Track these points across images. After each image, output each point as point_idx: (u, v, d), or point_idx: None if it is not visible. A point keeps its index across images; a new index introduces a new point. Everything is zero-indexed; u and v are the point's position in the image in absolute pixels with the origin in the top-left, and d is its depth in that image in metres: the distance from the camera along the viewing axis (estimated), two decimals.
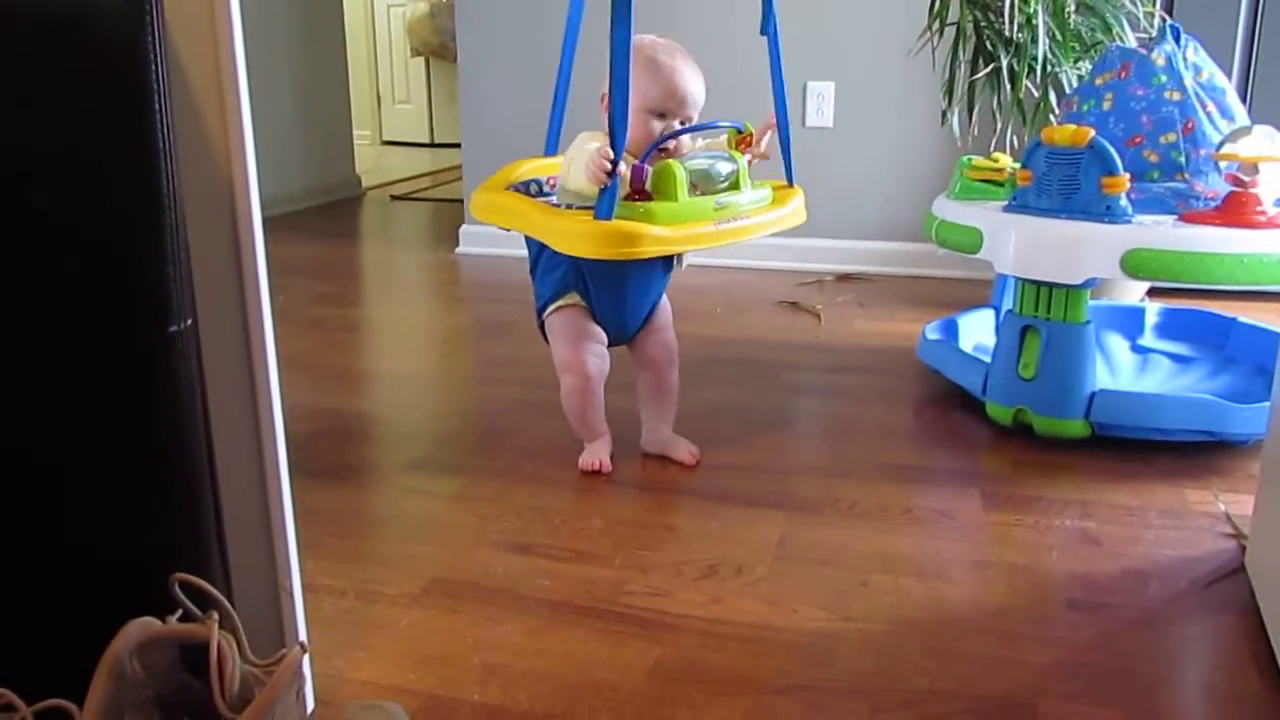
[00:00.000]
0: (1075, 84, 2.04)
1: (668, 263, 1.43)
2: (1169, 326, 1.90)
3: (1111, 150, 1.42)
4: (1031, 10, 2.05)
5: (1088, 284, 1.44)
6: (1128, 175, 1.43)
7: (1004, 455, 1.49)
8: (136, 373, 0.64)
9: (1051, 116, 2.10)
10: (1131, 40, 2.03)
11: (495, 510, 1.30)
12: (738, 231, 1.28)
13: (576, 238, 1.22)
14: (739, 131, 1.36)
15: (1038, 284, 1.49)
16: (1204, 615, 1.06)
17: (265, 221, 0.72)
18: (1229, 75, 2.08)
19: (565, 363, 1.40)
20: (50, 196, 0.60)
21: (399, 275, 2.94)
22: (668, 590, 1.10)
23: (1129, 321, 1.91)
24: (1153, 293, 2.25)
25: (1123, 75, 1.65)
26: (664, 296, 1.48)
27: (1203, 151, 1.55)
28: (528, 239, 1.38)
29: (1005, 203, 1.58)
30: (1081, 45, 2.15)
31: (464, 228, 3.09)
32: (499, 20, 2.92)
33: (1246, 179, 1.44)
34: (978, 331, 1.85)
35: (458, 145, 3.10)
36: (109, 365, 0.63)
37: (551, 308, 1.41)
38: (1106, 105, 1.65)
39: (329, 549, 1.19)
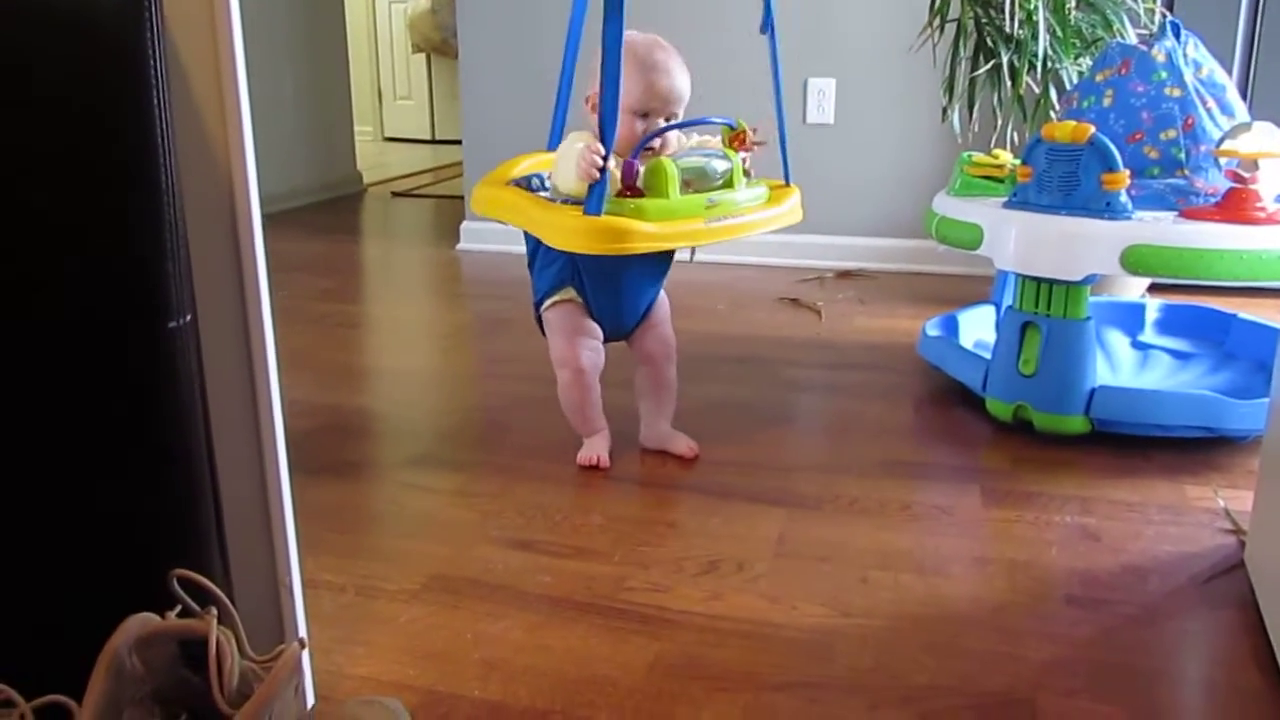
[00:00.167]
0: (1076, 80, 2.04)
1: (664, 260, 1.43)
2: (1169, 322, 1.90)
3: (1111, 146, 1.42)
4: (1032, 6, 2.05)
5: (1088, 280, 1.44)
6: (1128, 171, 1.43)
7: (1004, 451, 1.49)
8: (136, 368, 0.64)
9: (1052, 113, 2.10)
10: (1132, 36, 2.03)
11: (495, 506, 1.30)
12: (729, 229, 1.28)
13: (568, 233, 1.23)
14: (731, 129, 1.36)
15: (1038, 280, 1.48)
16: (1203, 611, 1.07)
17: (266, 218, 0.72)
18: (1229, 72, 2.08)
19: (560, 357, 1.41)
20: (49, 193, 0.60)
21: (400, 271, 2.95)
22: (668, 586, 1.10)
23: (1129, 318, 1.91)
24: (1153, 289, 2.25)
25: (1123, 71, 1.65)
26: (662, 292, 1.48)
27: (1203, 148, 1.55)
28: (525, 233, 1.39)
29: (1005, 199, 1.58)
30: (1082, 41, 2.14)
31: (465, 224, 3.08)
32: (500, 17, 2.91)
33: (1246, 175, 1.44)
34: (978, 328, 1.85)
35: (459, 142, 3.10)
36: (108, 361, 0.63)
37: (548, 303, 1.41)
38: (1107, 101, 1.65)
39: (329, 545, 1.19)
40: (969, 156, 1.73)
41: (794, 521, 1.26)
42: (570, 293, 1.40)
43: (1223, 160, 1.49)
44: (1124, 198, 1.43)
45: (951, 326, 1.83)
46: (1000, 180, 1.67)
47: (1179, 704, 0.93)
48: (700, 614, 1.05)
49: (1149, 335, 1.88)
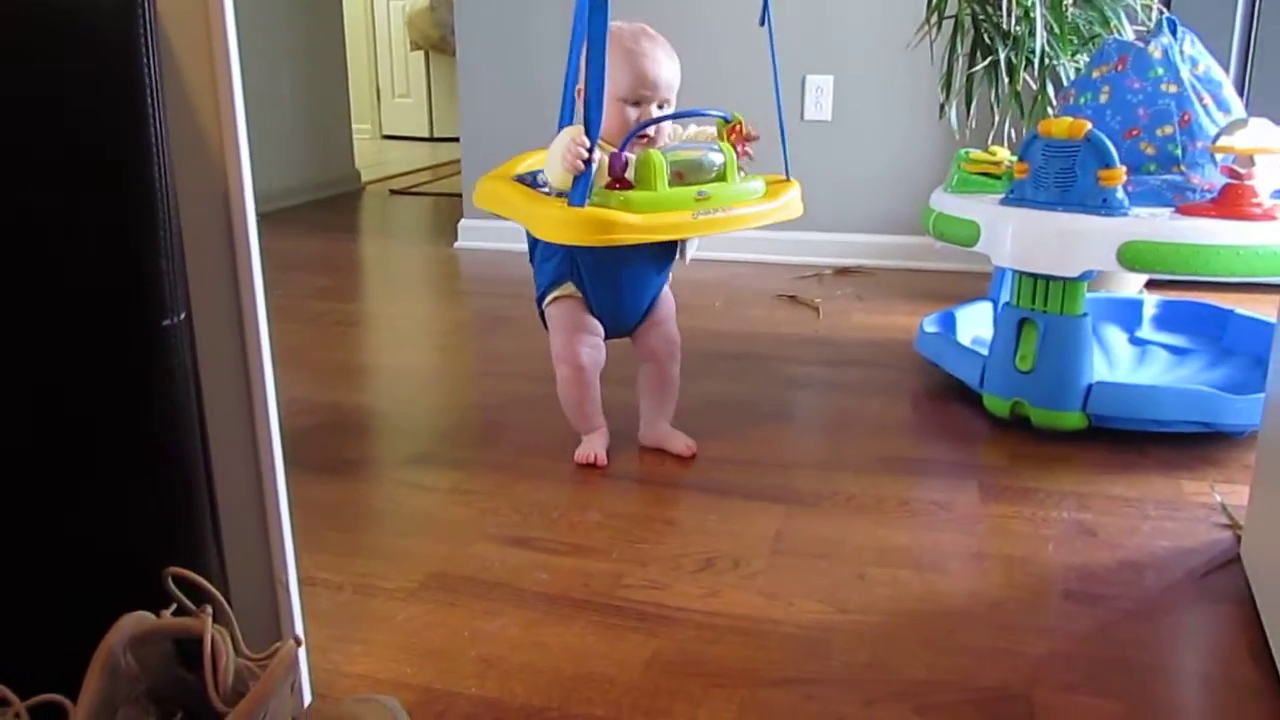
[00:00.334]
0: (1073, 77, 2.04)
1: (666, 255, 1.43)
2: (1167, 318, 1.90)
3: (1108, 143, 1.42)
4: (1029, 3, 2.05)
5: (1084, 276, 1.44)
6: (1124, 168, 1.43)
7: (1001, 447, 1.49)
8: (130, 367, 0.64)
9: (1049, 109, 2.10)
10: (1129, 33, 2.03)
11: (493, 504, 1.31)
12: (717, 223, 1.26)
13: (553, 223, 1.23)
14: (726, 121, 1.36)
15: (1035, 276, 1.49)
16: (1200, 605, 1.07)
17: (264, 216, 0.72)
18: (1226, 68, 2.07)
19: (559, 354, 1.41)
20: (42, 191, 0.60)
21: (398, 270, 2.95)
22: (665, 583, 1.10)
23: (1127, 314, 1.91)
24: (1151, 285, 2.25)
25: (1120, 68, 1.65)
26: (666, 290, 1.48)
27: (1199, 144, 1.55)
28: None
29: (1002, 196, 1.58)
30: (1079, 38, 2.14)
31: (463, 222, 3.08)
32: (498, 14, 2.91)
33: (1243, 171, 1.44)
34: (976, 324, 1.85)
35: (457, 139, 3.10)
36: (103, 359, 0.63)
37: (549, 298, 1.42)
38: (1103, 98, 1.65)
39: (327, 543, 1.19)
40: (966, 153, 1.73)
41: (791, 518, 1.26)
42: (570, 288, 1.40)
43: (1219, 156, 1.49)
44: (1120, 194, 1.43)
45: (949, 323, 1.83)
46: (997, 177, 1.68)
47: (1175, 698, 0.93)
48: (697, 611, 1.05)
49: (1146, 331, 1.88)
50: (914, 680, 0.93)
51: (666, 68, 1.33)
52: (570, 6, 1.24)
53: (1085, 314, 1.47)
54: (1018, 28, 2.09)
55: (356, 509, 1.32)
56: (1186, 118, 1.57)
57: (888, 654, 0.97)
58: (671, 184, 1.24)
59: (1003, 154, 1.71)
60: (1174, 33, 1.65)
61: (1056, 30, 2.09)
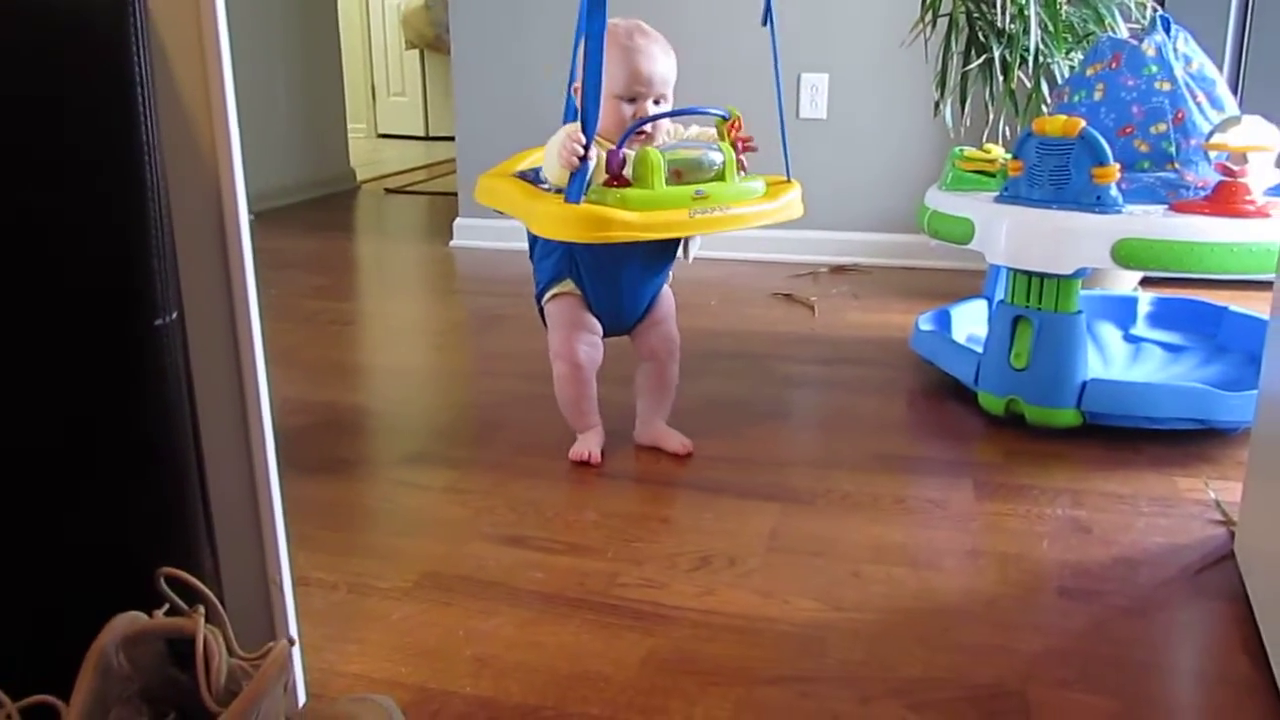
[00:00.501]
0: (1067, 75, 2.04)
1: (666, 254, 1.43)
2: (1161, 316, 1.90)
3: (1102, 140, 1.42)
4: (1023, 1, 2.05)
5: (1079, 274, 1.45)
6: (1118, 165, 1.43)
7: (996, 445, 1.49)
8: (122, 366, 0.64)
9: (1044, 107, 2.10)
10: (1123, 31, 2.03)
11: (488, 503, 1.30)
12: (714, 222, 1.25)
13: (549, 220, 1.23)
14: (724, 119, 1.35)
15: (1029, 274, 1.49)
16: (1194, 602, 1.07)
17: (259, 215, 0.72)
18: (1220, 66, 2.08)
19: (557, 350, 1.41)
20: (33, 190, 0.60)
21: (393, 268, 2.94)
22: (660, 582, 1.10)
23: (1122, 311, 1.91)
24: (1145, 282, 2.26)
25: (1113, 66, 1.65)
26: (666, 289, 1.48)
27: (1193, 141, 1.55)
28: None
29: (997, 193, 1.58)
30: (1074, 36, 2.15)
31: (458, 221, 3.08)
32: (493, 12, 2.91)
33: (1236, 168, 1.44)
34: (971, 322, 1.85)
35: (452, 138, 3.10)
36: (94, 359, 0.63)
37: (548, 295, 1.42)
38: (1097, 96, 1.65)
39: (321, 542, 1.19)
40: (961, 151, 1.73)
41: (787, 516, 1.26)
42: (569, 285, 1.40)
43: (1212, 154, 1.50)
44: (1114, 191, 1.43)
45: (944, 321, 1.83)
46: (992, 175, 1.68)
47: (1170, 694, 0.93)
48: (693, 609, 1.05)
49: (1141, 329, 1.88)
50: (909, 678, 0.93)
51: (662, 63, 1.33)
52: (567, 5, 1.24)
53: (1080, 311, 1.48)
54: (1012, 25, 2.09)
55: (351, 508, 1.32)
56: (1180, 115, 1.57)
57: (883, 651, 0.97)
58: (670, 183, 1.23)
59: (997, 152, 1.71)
60: (1168, 31, 1.65)
61: (1051, 28, 2.09)
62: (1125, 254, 1.39)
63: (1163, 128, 1.58)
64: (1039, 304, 1.48)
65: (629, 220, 1.20)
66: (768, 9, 1.35)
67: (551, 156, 1.23)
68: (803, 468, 1.42)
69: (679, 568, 1.13)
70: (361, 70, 6.08)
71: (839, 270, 2.69)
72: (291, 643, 0.61)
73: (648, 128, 1.32)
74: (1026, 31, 2.04)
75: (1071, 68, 2.07)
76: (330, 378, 1.87)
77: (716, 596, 1.07)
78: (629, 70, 1.31)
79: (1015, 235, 1.47)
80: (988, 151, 1.71)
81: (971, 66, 2.20)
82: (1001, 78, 2.14)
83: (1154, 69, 1.61)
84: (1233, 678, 0.93)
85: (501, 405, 1.68)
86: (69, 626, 0.58)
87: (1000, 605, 1.06)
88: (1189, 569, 1.13)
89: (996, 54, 2.13)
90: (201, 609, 0.59)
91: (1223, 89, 1.64)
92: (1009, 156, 1.58)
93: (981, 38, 2.18)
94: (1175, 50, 1.63)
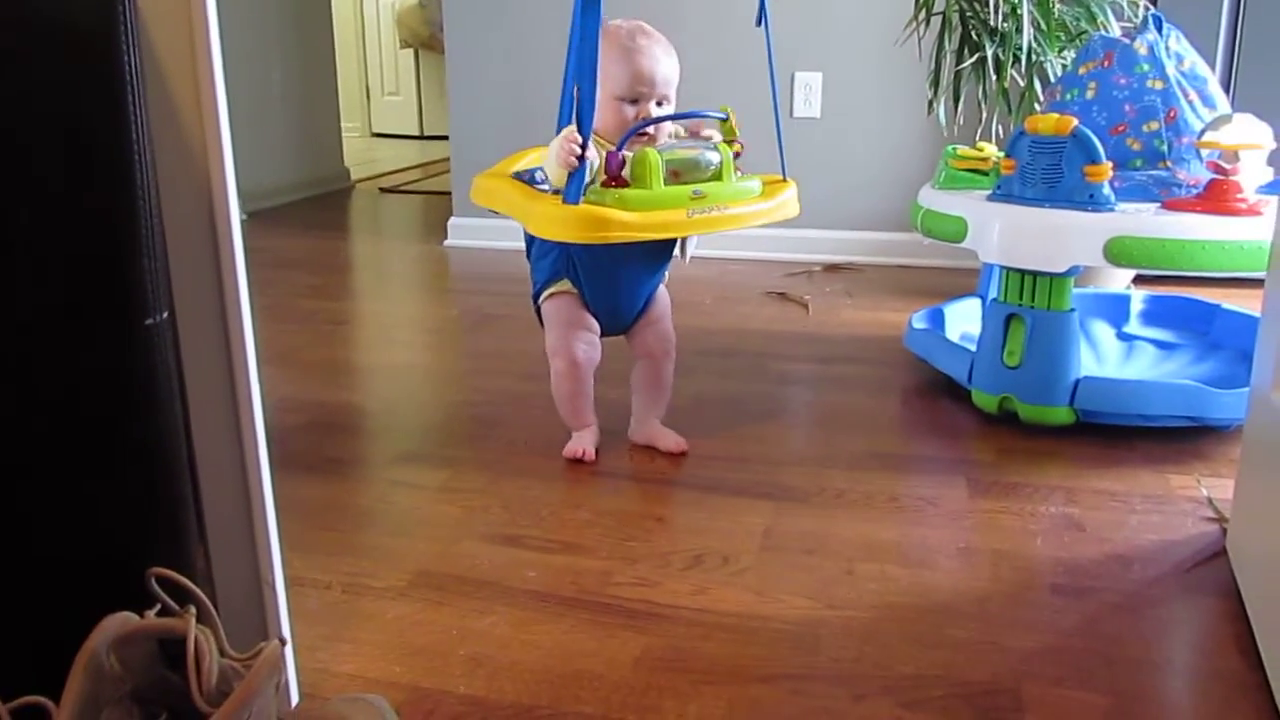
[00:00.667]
0: (1060, 73, 2.04)
1: (663, 254, 1.43)
2: (1154, 313, 1.91)
3: (1094, 139, 1.42)
4: (1016, 0, 2.05)
5: (1071, 272, 1.45)
6: (1110, 163, 1.44)
7: (990, 443, 1.49)
8: (113, 366, 0.64)
9: (1037, 105, 2.11)
10: (1115, 30, 2.04)
11: (482, 502, 1.30)
12: (712, 221, 1.26)
13: (547, 220, 1.23)
14: (724, 120, 1.36)
15: (1022, 272, 1.49)
16: (1186, 598, 1.07)
17: (253, 215, 0.72)
18: (1212, 65, 2.08)
19: (554, 348, 1.41)
20: (23, 190, 0.60)
21: (388, 268, 2.94)
22: (654, 581, 1.10)
23: (1115, 309, 1.91)
24: (1138, 280, 2.26)
25: (1106, 64, 1.65)
26: (663, 288, 1.48)
27: (1185, 139, 1.55)
28: None
29: (990, 192, 1.58)
30: (1066, 35, 2.15)
31: (453, 220, 3.08)
32: (487, 11, 2.90)
33: (1228, 166, 1.45)
34: (964, 320, 1.85)
35: (447, 138, 3.10)
36: (85, 359, 0.63)
37: (545, 294, 1.42)
38: (1090, 94, 1.66)
39: (315, 542, 1.19)
40: (954, 150, 1.73)
41: (780, 514, 1.26)
42: (567, 284, 1.40)
43: (1204, 152, 1.50)
44: (1107, 189, 1.43)
45: (938, 319, 1.83)
46: (985, 173, 1.68)
47: (1162, 691, 0.94)
48: (686, 608, 1.05)
49: (1134, 326, 1.89)
50: (902, 675, 0.93)
51: (664, 65, 1.33)
52: (561, 4, 1.24)
53: (1072, 309, 1.48)
54: (1005, 24, 2.09)
55: (345, 508, 1.32)
56: (1172, 114, 1.58)
57: (876, 649, 0.97)
58: (668, 182, 1.24)
59: (990, 150, 1.71)
60: (1160, 29, 1.65)
61: (1044, 27, 2.09)
62: (1118, 252, 1.39)
63: (1155, 126, 1.58)
64: (1032, 302, 1.48)
65: (627, 221, 1.20)
66: (762, 9, 1.35)
67: (551, 158, 1.24)
68: (796, 466, 1.42)
69: (673, 566, 1.14)
70: (356, 69, 6.07)
71: (833, 269, 2.69)
72: (283, 643, 0.61)
73: (650, 129, 1.32)
74: (1019, 30, 2.04)
75: (1064, 66, 2.07)
76: (324, 377, 1.86)
77: (710, 595, 1.07)
78: (631, 72, 1.31)
79: (1008, 233, 1.48)
80: (981, 150, 1.71)
81: (965, 65, 2.20)
82: (994, 76, 2.14)
83: (1146, 67, 1.62)
84: (1225, 674, 0.94)
85: (495, 404, 1.68)
86: (60, 627, 0.58)
87: (993, 603, 1.06)
88: (1181, 566, 1.13)
89: (989, 52, 2.13)
90: (193, 609, 0.59)
91: (1214, 87, 1.64)
92: (1002, 155, 1.58)
93: (975, 36, 2.18)
94: (1167, 49, 1.63)
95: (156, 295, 0.64)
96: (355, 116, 5.99)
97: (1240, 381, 1.49)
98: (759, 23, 1.36)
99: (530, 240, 1.43)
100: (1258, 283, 1.14)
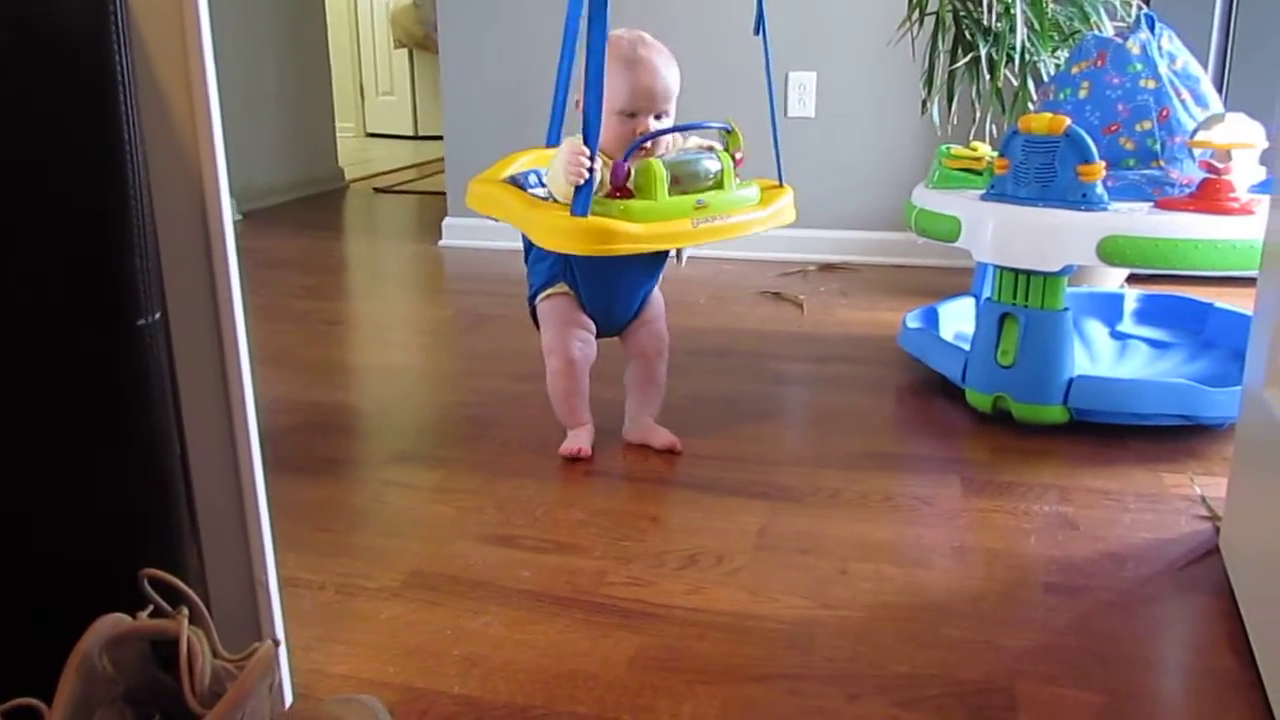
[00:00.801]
0: (1053, 73, 2.05)
1: (657, 258, 1.43)
2: (1148, 312, 1.91)
3: (1087, 138, 1.43)
4: (1010, 0, 2.06)
5: (1065, 271, 1.45)
6: (1103, 163, 1.44)
7: (984, 442, 1.50)
8: (105, 367, 0.63)
9: (1030, 105, 2.11)
10: (1108, 29, 2.04)
11: (476, 502, 1.30)
12: (716, 230, 1.27)
13: (554, 232, 1.23)
14: (728, 132, 1.35)
15: (1016, 271, 1.49)
16: (1179, 596, 1.07)
17: (247, 215, 0.72)
18: (1204, 64, 2.09)
19: (550, 346, 1.41)
20: (13, 190, 0.60)
21: (382, 268, 2.93)
22: (649, 580, 1.10)
23: (1108, 308, 1.92)
24: (1132, 279, 2.27)
25: (1099, 64, 1.66)
26: (657, 289, 1.48)
27: (1178, 139, 1.56)
28: None
29: (983, 191, 1.59)
30: (1059, 34, 2.16)
31: (447, 220, 3.08)
32: (481, 11, 2.90)
33: (1220, 166, 1.45)
34: (958, 320, 1.85)
35: (441, 138, 3.09)
36: (77, 360, 0.63)
37: (542, 295, 1.42)
38: (1083, 93, 1.66)
39: (309, 543, 1.19)
40: (948, 149, 1.73)
41: (775, 514, 1.27)
42: (564, 287, 1.41)
43: (1197, 151, 1.51)
44: (1100, 189, 1.44)
45: (932, 319, 1.83)
46: (978, 172, 1.68)
47: (1156, 689, 0.94)
48: (681, 607, 1.05)
49: (1127, 325, 1.89)
50: (897, 674, 0.93)
51: (664, 78, 1.32)
52: (555, 5, 1.24)
53: (1066, 308, 1.48)
54: (998, 24, 2.10)
55: (339, 508, 1.32)
56: (1165, 113, 1.58)
57: (870, 648, 0.97)
58: (671, 192, 1.24)
59: (984, 150, 1.71)
60: (1152, 29, 1.66)
61: (1037, 26, 2.10)
62: (1111, 251, 1.40)
63: (1148, 125, 1.59)
64: (1026, 301, 1.49)
65: (633, 232, 1.20)
66: (760, 17, 1.35)
67: (558, 172, 1.23)
68: (791, 465, 1.42)
69: (667, 566, 1.14)
70: (350, 69, 6.06)
71: (827, 268, 2.69)
72: (277, 644, 0.61)
73: (648, 143, 1.32)
74: (1013, 30, 2.05)
75: (1057, 66, 2.08)
76: (318, 377, 1.86)
77: (704, 594, 1.07)
78: (632, 86, 1.31)
79: (1002, 233, 1.48)
80: (974, 149, 1.72)
81: (958, 65, 2.20)
82: (988, 76, 2.14)
83: (1139, 67, 1.62)
84: (1218, 672, 0.94)
85: (489, 405, 1.68)
86: (52, 628, 0.58)
87: (987, 601, 1.06)
88: (1175, 564, 1.13)
89: (983, 52, 2.13)
90: (185, 610, 0.58)
91: (1207, 86, 1.64)
92: (995, 154, 1.58)
93: (968, 36, 2.18)
94: (1160, 48, 1.64)
95: (148, 296, 0.64)
96: (350, 116, 5.98)
97: (1233, 380, 1.49)
98: (757, 31, 1.37)
99: (529, 243, 1.43)
100: (1250, 281, 1.14)
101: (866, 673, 0.94)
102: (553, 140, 1.47)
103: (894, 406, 1.70)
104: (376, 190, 4.24)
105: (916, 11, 2.23)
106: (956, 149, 1.73)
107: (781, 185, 1.41)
